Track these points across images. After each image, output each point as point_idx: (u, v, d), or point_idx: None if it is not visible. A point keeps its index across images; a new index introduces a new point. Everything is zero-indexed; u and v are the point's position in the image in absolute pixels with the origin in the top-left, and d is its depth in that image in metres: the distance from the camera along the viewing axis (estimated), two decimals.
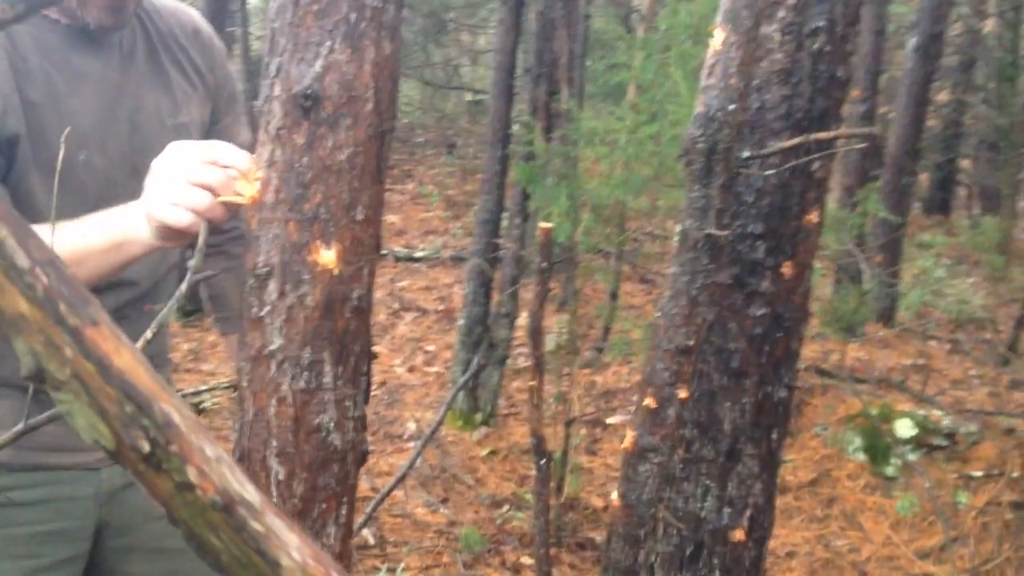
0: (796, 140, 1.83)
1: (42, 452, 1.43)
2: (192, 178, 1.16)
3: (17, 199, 1.28)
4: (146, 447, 0.30)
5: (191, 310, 5.57)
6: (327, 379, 1.19)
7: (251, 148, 1.61)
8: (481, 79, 11.43)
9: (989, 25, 9.38)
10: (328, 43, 1.15)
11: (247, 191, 1.18)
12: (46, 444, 1.40)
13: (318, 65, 1.15)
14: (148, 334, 0.67)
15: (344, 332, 1.20)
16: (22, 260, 0.29)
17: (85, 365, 0.29)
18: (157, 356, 1.64)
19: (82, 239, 1.21)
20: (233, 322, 1.71)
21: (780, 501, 2.80)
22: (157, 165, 1.19)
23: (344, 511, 1.25)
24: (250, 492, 0.34)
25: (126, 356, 0.30)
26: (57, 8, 1.34)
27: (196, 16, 1.60)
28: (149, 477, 0.31)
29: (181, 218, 1.15)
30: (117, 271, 1.26)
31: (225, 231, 1.68)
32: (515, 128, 4.76)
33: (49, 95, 1.32)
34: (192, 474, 0.31)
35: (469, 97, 11.31)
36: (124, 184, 1.35)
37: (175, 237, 1.20)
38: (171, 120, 1.45)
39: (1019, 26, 8.16)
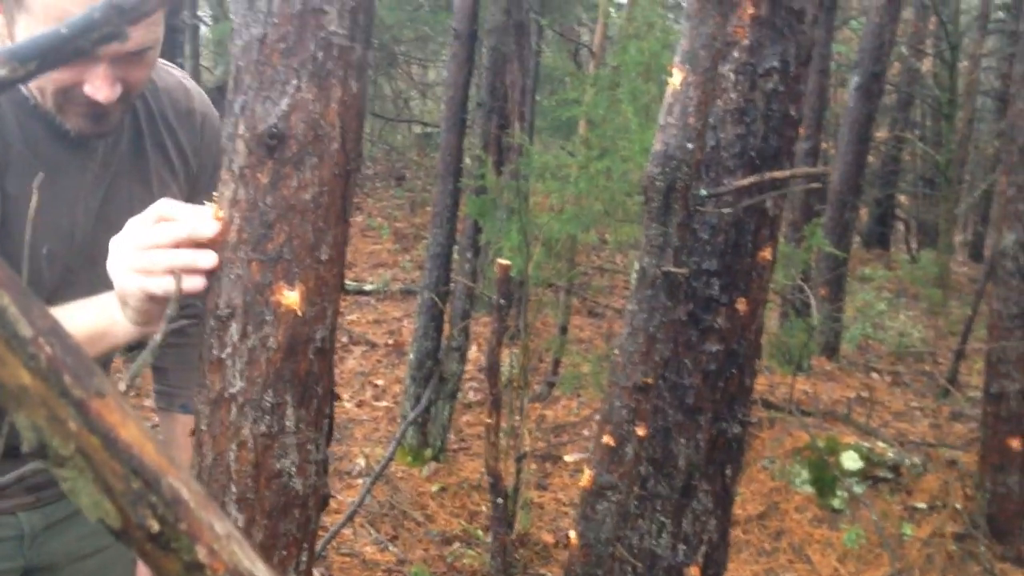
0: (753, 179, 1.85)
1: None
2: (148, 241, 1.11)
3: None
4: (155, 526, 0.28)
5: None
6: (289, 423, 1.16)
7: None
8: (430, 112, 11.46)
9: (927, 64, 9.69)
10: (294, 81, 1.14)
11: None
12: None
13: (284, 103, 1.14)
14: (122, 386, 0.65)
15: (307, 374, 1.18)
16: (25, 329, 0.27)
17: (90, 439, 0.27)
18: None
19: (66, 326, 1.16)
20: (168, 398, 1.65)
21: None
22: (113, 243, 1.15)
23: (304, 557, 1.22)
24: (261, 571, 0.32)
25: (133, 429, 0.28)
26: (34, 87, 1.28)
27: (193, 93, 1.53)
28: (156, 557, 0.29)
29: (148, 284, 1.10)
30: (98, 360, 1.21)
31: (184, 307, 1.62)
32: (466, 162, 4.77)
33: (26, 188, 1.27)
34: (202, 553, 0.29)
35: (418, 130, 11.33)
36: (78, 273, 1.31)
37: (154, 312, 1.15)
38: (142, 208, 1.41)
39: (956, 65, 8.44)
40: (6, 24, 1.22)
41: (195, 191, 1.52)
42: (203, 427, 1.18)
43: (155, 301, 1.14)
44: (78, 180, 1.34)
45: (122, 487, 0.28)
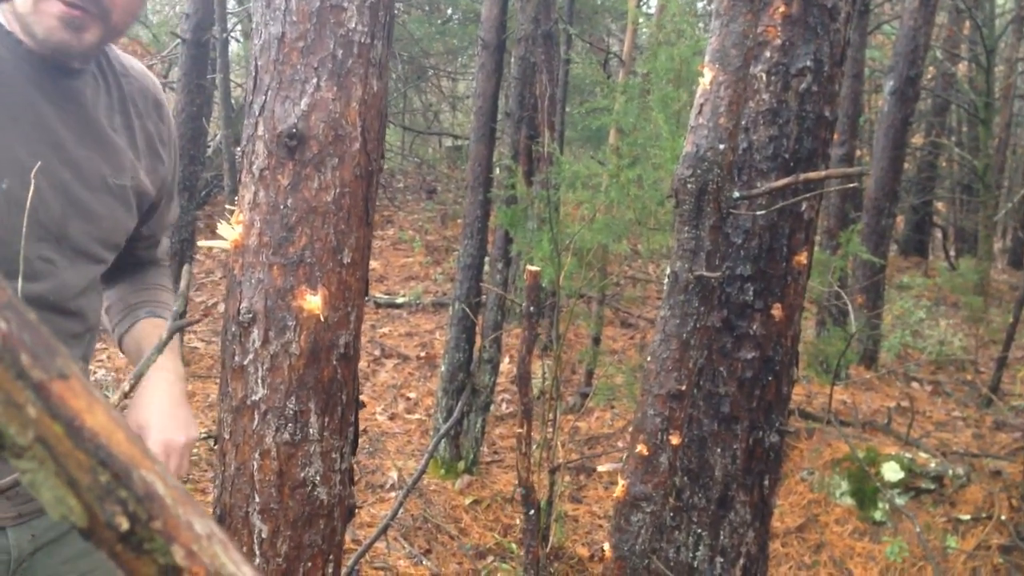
0: (786, 180, 1.81)
1: None
2: None
3: None
4: (125, 524, 0.25)
5: None
6: (313, 430, 1.14)
7: (173, 221, 1.58)
8: (460, 124, 11.48)
9: (962, 68, 9.55)
10: (314, 80, 1.12)
11: (229, 235, 1.13)
12: None
13: (303, 103, 1.11)
14: (126, 386, 0.62)
15: (330, 381, 1.15)
16: None
17: (52, 427, 0.25)
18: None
19: None
20: (131, 314, 1.54)
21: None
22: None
23: (331, 570, 1.19)
24: (247, 575, 0.29)
25: (100, 415, 0.25)
26: (25, 34, 1.26)
27: (158, 84, 1.55)
28: (127, 559, 0.26)
29: None
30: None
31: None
32: (496, 172, 4.75)
33: None
34: (179, 555, 0.26)
35: (449, 143, 11.34)
36: (52, 224, 1.28)
37: None
38: (113, 179, 1.37)
39: (992, 69, 8.30)
40: None
41: (166, 183, 1.50)
42: (226, 435, 1.15)
43: None
44: (44, 122, 1.30)
45: (88, 480, 0.25)
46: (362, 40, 1.12)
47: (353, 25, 1.11)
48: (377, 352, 6.08)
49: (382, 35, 1.15)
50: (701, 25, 8.45)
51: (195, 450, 4.36)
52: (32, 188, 1.19)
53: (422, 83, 10.43)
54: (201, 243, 1.20)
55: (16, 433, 0.24)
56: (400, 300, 7.11)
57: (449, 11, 9.76)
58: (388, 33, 1.17)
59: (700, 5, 10.13)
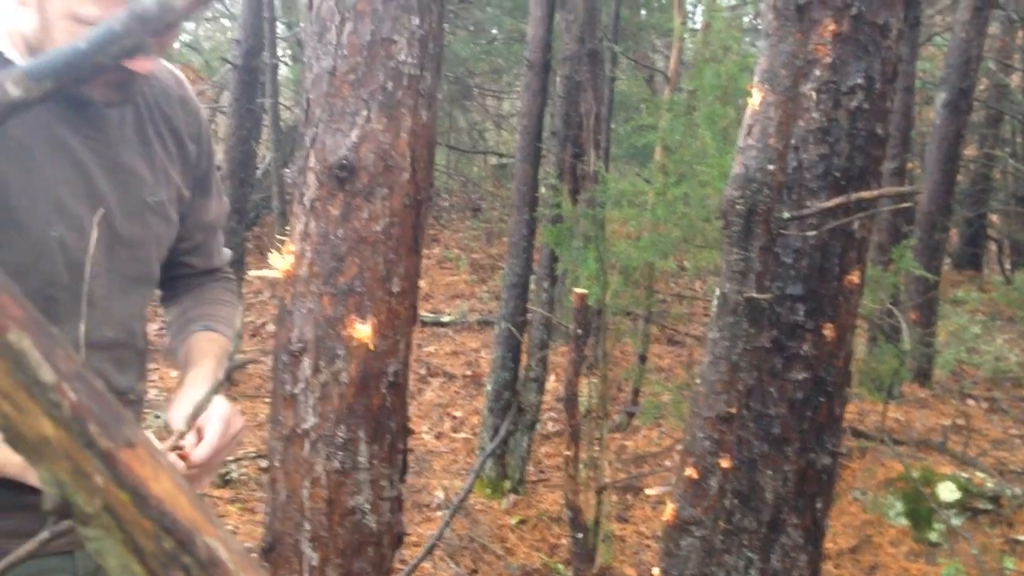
0: (837, 200, 1.78)
1: (10, 539, 1.34)
2: None
3: None
4: None
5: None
6: (362, 459, 1.14)
7: (218, 223, 1.53)
8: (505, 143, 11.53)
9: (1016, 79, 9.36)
10: (364, 112, 1.13)
11: (280, 265, 1.15)
12: (14, 530, 1.31)
13: (354, 135, 1.13)
14: (183, 426, 0.63)
15: (380, 409, 1.15)
16: (47, 375, 0.24)
17: (118, 495, 0.25)
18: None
19: None
20: (185, 326, 1.51)
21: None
22: None
23: None
24: None
25: (165, 482, 0.26)
26: None
27: (183, 80, 1.52)
28: None
29: None
30: None
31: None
32: (542, 191, 4.76)
33: (20, 165, 1.24)
34: None
35: (494, 161, 11.39)
36: (97, 261, 1.29)
37: None
38: (151, 197, 1.38)
39: None
40: None
41: (199, 177, 1.48)
42: (276, 463, 1.16)
43: None
44: (81, 158, 1.30)
45: (152, 547, 0.25)
46: (412, 72, 1.13)
47: (403, 57, 1.12)
48: (423, 371, 6.10)
49: (431, 66, 1.16)
50: (747, 39, 8.40)
51: (244, 469, 4.41)
52: (92, 237, 1.20)
53: (467, 102, 10.50)
54: (253, 273, 1.22)
55: (84, 502, 0.25)
56: (446, 318, 7.14)
57: (494, 31, 9.82)
58: (437, 64, 1.17)
59: (746, 20, 10.07)
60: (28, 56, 1.27)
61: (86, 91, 1.26)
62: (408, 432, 1.20)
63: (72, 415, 0.24)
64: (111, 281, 1.31)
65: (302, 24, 10.50)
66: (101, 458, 0.25)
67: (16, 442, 0.24)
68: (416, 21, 1.12)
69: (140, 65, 1.22)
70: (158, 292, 1.53)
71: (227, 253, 1.59)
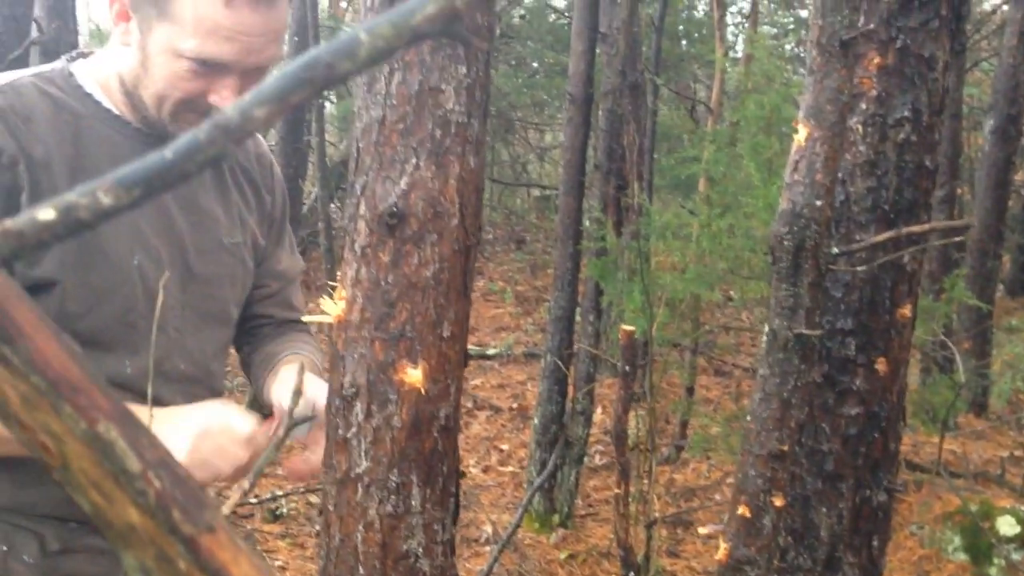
0: (887, 235, 1.77)
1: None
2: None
3: (45, 300, 1.21)
4: None
5: (267, 413, 5.59)
6: (415, 502, 1.15)
7: (292, 275, 1.59)
8: (548, 175, 11.58)
9: None
10: (413, 160, 1.15)
11: (332, 310, 1.17)
12: (78, 571, 1.34)
13: (403, 183, 1.14)
14: (246, 484, 0.64)
15: (432, 452, 1.16)
16: (133, 464, 0.26)
17: None
18: None
19: None
20: (271, 360, 1.56)
21: None
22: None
23: None
24: None
25: (245, 566, 0.27)
26: (134, 113, 1.32)
27: (258, 138, 1.60)
28: None
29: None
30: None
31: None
32: (586, 224, 4.77)
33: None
34: None
35: (537, 193, 11.44)
36: (172, 294, 1.33)
37: None
38: (227, 239, 1.43)
39: None
40: (133, 32, 1.25)
41: (273, 227, 1.55)
42: (330, 507, 1.17)
43: None
44: (163, 197, 1.34)
45: None
46: (459, 120, 1.15)
47: (451, 106, 1.14)
48: (469, 404, 6.11)
49: (478, 114, 1.17)
50: (789, 68, 8.37)
51: (293, 504, 4.44)
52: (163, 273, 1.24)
53: (509, 136, 10.58)
54: (305, 318, 1.24)
55: None
56: (491, 351, 7.15)
57: (535, 64, 9.91)
58: (484, 111, 1.19)
59: (788, 47, 10.03)
60: (122, 97, 1.32)
61: (172, 130, 1.30)
62: (460, 475, 1.21)
63: (157, 502, 0.25)
64: (184, 315, 1.36)
65: None
66: (184, 544, 0.26)
67: (104, 530, 0.26)
68: (463, 70, 1.14)
69: (226, 103, 1.26)
70: (240, 348, 1.58)
71: (303, 303, 1.65)
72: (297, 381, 0.78)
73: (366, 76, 1.18)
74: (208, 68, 1.24)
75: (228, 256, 1.42)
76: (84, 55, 1.39)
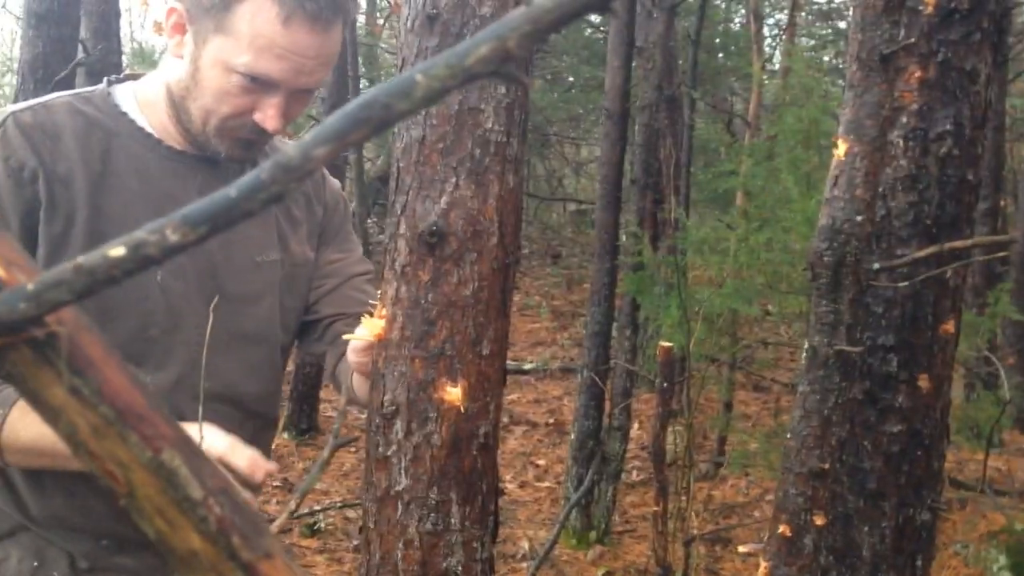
0: (929, 250, 1.75)
1: (119, 524, 1.37)
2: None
3: None
4: None
5: (305, 428, 5.64)
6: (454, 520, 1.15)
7: (354, 271, 1.54)
8: (584, 189, 11.58)
9: None
10: (452, 179, 1.16)
11: (373, 329, 1.18)
12: (122, 516, 1.34)
13: (443, 201, 1.15)
14: (292, 504, 0.65)
15: (471, 470, 1.17)
16: (196, 491, 0.26)
17: None
18: None
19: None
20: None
21: None
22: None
23: None
24: None
25: None
26: (176, 127, 1.33)
27: None
28: None
29: None
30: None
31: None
32: (623, 239, 4.76)
33: (135, 210, 1.30)
34: None
35: (573, 207, 11.44)
36: (198, 311, 1.32)
37: None
38: (260, 256, 1.42)
39: None
40: (187, 44, 1.27)
41: (326, 234, 1.53)
42: (370, 524, 1.18)
43: None
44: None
45: None
46: (498, 139, 1.16)
47: (490, 125, 1.15)
48: (506, 419, 6.11)
49: (517, 132, 1.18)
50: (827, 80, 8.30)
51: (331, 519, 4.47)
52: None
53: (545, 150, 10.60)
54: (346, 336, 1.24)
55: None
56: (527, 366, 7.15)
57: (571, 79, 9.92)
58: (522, 130, 1.20)
59: (826, 59, 9.95)
60: (167, 110, 1.33)
61: (215, 145, 1.32)
62: (499, 493, 1.21)
63: (218, 528, 0.26)
64: (212, 333, 1.35)
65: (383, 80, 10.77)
66: (243, 569, 0.26)
67: (168, 556, 0.26)
68: (502, 90, 1.15)
69: (270, 122, 1.28)
70: (325, 356, 1.56)
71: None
72: (342, 402, 0.79)
73: None
74: (257, 85, 1.25)
75: (262, 274, 1.41)
76: (134, 77, 1.41)
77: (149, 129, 1.35)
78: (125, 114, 1.34)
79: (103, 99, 1.34)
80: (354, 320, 1.49)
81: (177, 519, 0.26)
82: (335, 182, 1.61)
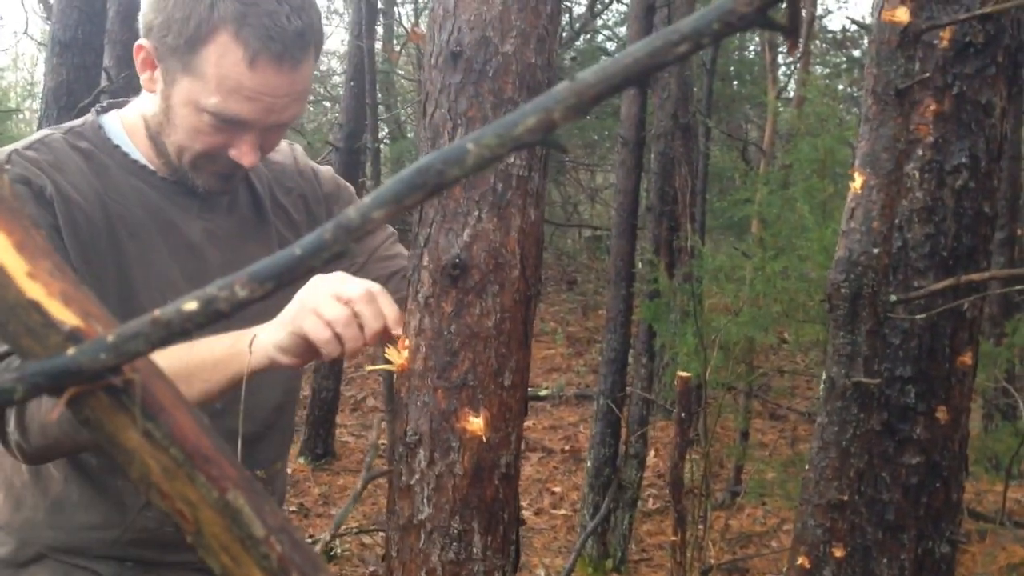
0: (946, 283, 1.75)
1: (146, 548, 1.37)
2: (346, 298, 1.16)
3: None
4: None
5: (320, 453, 5.65)
6: (476, 549, 1.16)
7: (372, 244, 1.54)
8: (599, 215, 11.61)
9: None
10: (475, 212, 1.18)
11: (396, 359, 1.19)
12: (149, 540, 1.36)
13: (466, 234, 1.17)
14: (327, 536, 0.67)
15: (493, 500, 1.18)
16: (258, 529, 0.28)
17: None
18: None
19: (188, 353, 1.18)
20: None
21: None
22: (317, 276, 1.18)
23: None
24: None
25: None
26: (159, 158, 1.33)
27: (297, 151, 1.57)
28: None
29: (320, 332, 1.14)
30: (227, 389, 1.20)
31: None
32: (638, 267, 4.77)
33: (139, 242, 1.31)
34: None
35: (588, 234, 11.47)
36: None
37: (299, 355, 1.17)
38: None
39: None
40: (158, 80, 1.27)
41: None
42: (393, 553, 1.20)
43: (307, 344, 1.15)
44: (191, 239, 1.36)
45: None
46: (520, 173, 1.18)
47: (512, 160, 1.18)
48: (521, 446, 6.10)
49: (539, 167, 1.21)
50: (842, 108, 8.32)
51: (347, 545, 4.47)
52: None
53: (560, 177, 10.65)
54: (369, 368, 1.26)
55: None
56: (543, 392, 7.15)
57: None
58: (544, 164, 1.22)
59: (841, 88, 9.98)
60: (147, 142, 1.34)
61: (192, 178, 1.33)
62: (520, 523, 1.22)
63: (279, 566, 0.28)
64: None
65: (400, 107, 10.88)
66: None
67: None
68: None
69: (245, 158, 1.29)
70: None
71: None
72: (374, 435, 0.81)
73: (430, 131, 1.22)
74: (229, 124, 1.25)
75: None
76: (118, 104, 1.41)
77: (143, 161, 1.35)
78: (118, 147, 1.35)
79: (94, 132, 1.34)
80: (393, 280, 1.52)
81: (241, 556, 0.28)
82: (327, 170, 1.60)
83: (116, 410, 0.27)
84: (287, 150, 1.56)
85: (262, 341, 1.17)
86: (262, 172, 1.48)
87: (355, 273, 1.49)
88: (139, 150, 1.36)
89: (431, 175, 0.27)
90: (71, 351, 0.27)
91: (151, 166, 1.35)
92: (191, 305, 0.28)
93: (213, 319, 0.27)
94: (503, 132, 0.27)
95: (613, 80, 0.26)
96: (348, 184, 1.64)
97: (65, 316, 0.28)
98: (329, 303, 1.16)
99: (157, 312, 0.28)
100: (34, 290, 0.27)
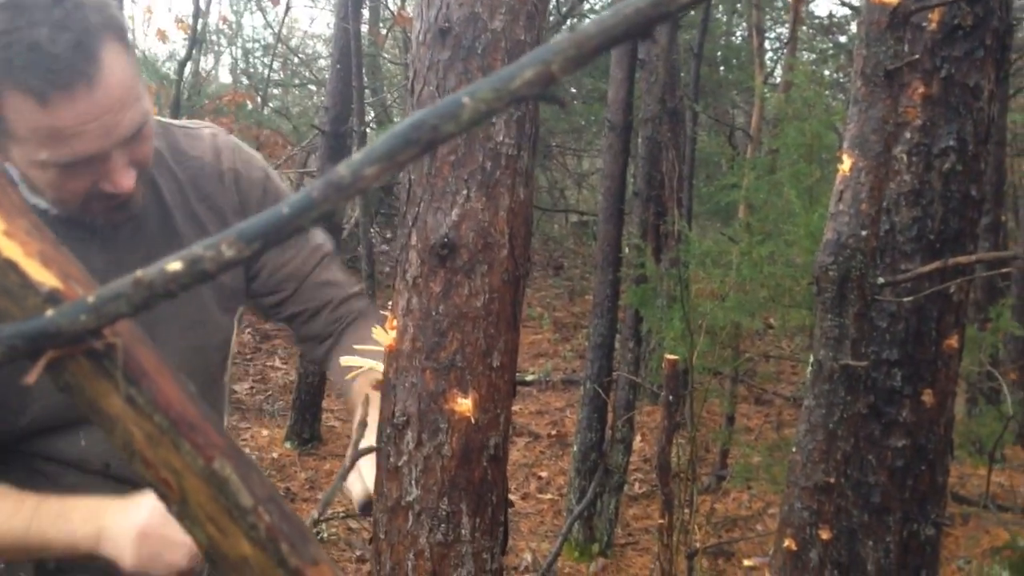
0: (933, 266, 1.76)
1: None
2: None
3: None
4: None
5: (307, 438, 5.64)
6: (465, 531, 1.16)
7: (309, 267, 1.50)
8: (586, 200, 11.60)
9: None
10: (464, 192, 1.17)
11: (384, 340, 1.18)
12: None
13: (454, 214, 1.16)
14: (315, 514, 0.66)
15: (481, 482, 1.17)
16: (246, 499, 0.27)
17: None
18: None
19: (26, 530, 1.23)
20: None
21: None
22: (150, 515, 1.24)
23: None
24: None
25: None
26: (50, 201, 1.25)
27: (224, 152, 1.45)
28: None
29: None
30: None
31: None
32: (625, 252, 4.77)
33: None
34: None
35: (575, 219, 11.47)
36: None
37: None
38: (188, 307, 1.37)
39: None
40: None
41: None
42: (381, 535, 1.19)
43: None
44: (95, 269, 1.32)
45: None
46: (509, 152, 1.17)
47: (501, 138, 1.16)
48: (510, 427, 6.11)
49: (528, 146, 1.19)
50: (829, 94, 8.32)
51: (333, 529, 4.46)
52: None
53: (547, 161, 10.63)
54: (356, 347, 1.25)
55: None
56: (530, 377, 7.15)
57: (573, 90, 9.95)
58: (533, 143, 1.21)
59: (827, 74, 9.98)
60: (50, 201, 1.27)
61: (90, 218, 1.26)
62: (508, 504, 1.22)
63: (267, 536, 0.27)
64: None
65: (387, 91, 10.82)
66: (291, 575, 0.27)
67: (218, 562, 0.27)
68: None
69: (120, 185, 1.21)
70: (312, 353, 1.55)
71: (351, 286, 1.54)
72: (361, 412, 0.80)
73: (417, 109, 1.20)
74: (78, 165, 1.16)
75: (187, 307, 1.37)
76: None
77: (43, 204, 1.27)
78: (17, 187, 1.26)
79: None
80: (318, 312, 1.49)
81: (228, 526, 0.27)
82: (255, 172, 1.47)
83: (97, 375, 0.26)
84: (209, 142, 1.44)
85: (91, 545, 1.24)
86: (176, 175, 1.39)
87: (285, 301, 1.48)
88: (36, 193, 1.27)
89: (425, 130, 0.26)
90: (50, 313, 0.26)
91: (45, 204, 1.27)
92: (175, 265, 0.26)
93: (198, 279, 0.26)
94: (500, 85, 0.26)
95: (614, 31, 0.25)
96: (280, 186, 1.53)
97: (44, 277, 0.27)
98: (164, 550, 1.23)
99: (139, 273, 0.27)
100: (10, 249, 0.26)
